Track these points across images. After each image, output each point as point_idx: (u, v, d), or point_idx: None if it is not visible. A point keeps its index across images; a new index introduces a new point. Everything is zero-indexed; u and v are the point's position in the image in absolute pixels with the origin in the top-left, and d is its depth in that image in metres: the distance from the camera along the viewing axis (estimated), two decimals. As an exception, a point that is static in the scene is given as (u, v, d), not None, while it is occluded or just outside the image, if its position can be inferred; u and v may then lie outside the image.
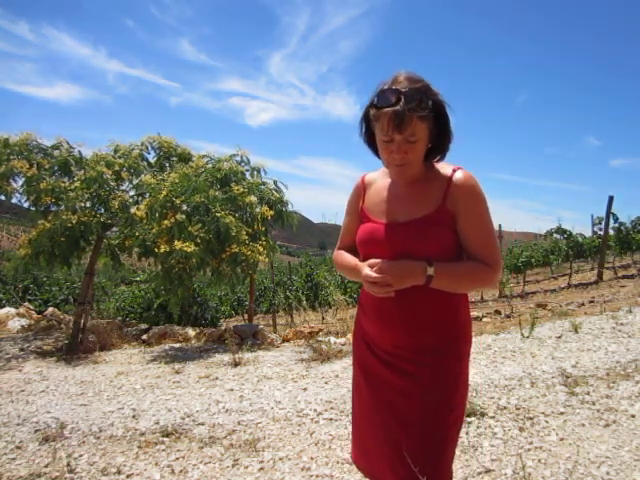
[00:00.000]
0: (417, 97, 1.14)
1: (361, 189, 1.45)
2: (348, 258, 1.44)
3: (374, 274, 1.23)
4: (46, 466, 2.39)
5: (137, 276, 12.12)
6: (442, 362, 1.28)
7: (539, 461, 2.26)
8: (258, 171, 6.20)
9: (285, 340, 5.85)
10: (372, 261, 1.26)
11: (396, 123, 1.14)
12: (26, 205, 5.38)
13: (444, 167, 1.30)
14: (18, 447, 2.67)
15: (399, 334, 1.30)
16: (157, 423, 3.01)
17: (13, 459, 2.51)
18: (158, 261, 5.00)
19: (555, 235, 11.78)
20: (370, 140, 1.33)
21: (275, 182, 6.26)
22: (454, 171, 1.28)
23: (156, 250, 4.82)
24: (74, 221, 4.91)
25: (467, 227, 1.26)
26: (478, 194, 1.27)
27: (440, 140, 1.27)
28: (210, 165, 5.82)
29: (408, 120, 1.14)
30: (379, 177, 1.42)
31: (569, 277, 10.23)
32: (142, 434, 2.84)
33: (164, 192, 4.93)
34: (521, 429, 2.62)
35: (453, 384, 1.29)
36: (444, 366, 1.28)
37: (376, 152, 1.34)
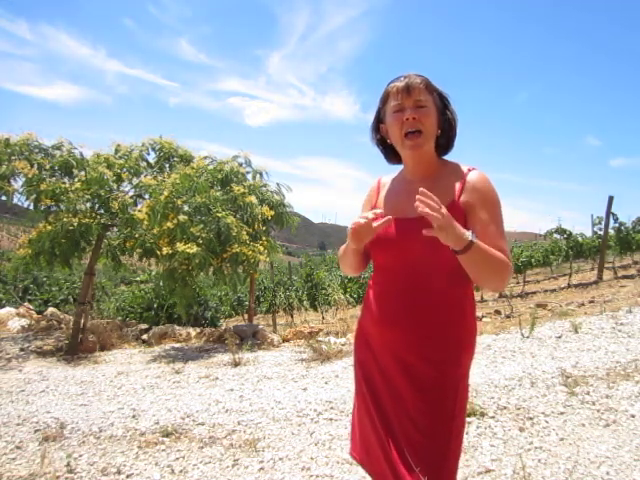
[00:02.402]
0: (422, 76, 1.29)
1: (375, 190, 1.47)
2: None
3: (427, 197, 1.11)
4: (46, 466, 2.38)
5: (137, 276, 12.12)
6: (442, 369, 1.25)
7: (539, 461, 2.26)
8: (260, 174, 6.23)
9: (285, 340, 5.85)
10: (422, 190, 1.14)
11: (405, 88, 1.26)
12: (26, 205, 5.39)
13: (459, 166, 1.32)
14: (18, 447, 2.66)
15: (402, 336, 1.28)
16: (157, 423, 3.01)
17: (13, 459, 2.51)
18: (161, 262, 5.02)
19: (555, 235, 11.75)
20: (381, 143, 1.41)
21: (278, 185, 6.27)
22: (469, 170, 1.29)
23: (158, 252, 4.83)
24: (75, 224, 4.91)
25: (480, 225, 1.22)
26: (493, 194, 1.26)
27: (448, 126, 1.32)
28: (211, 166, 5.84)
29: (416, 86, 1.26)
30: (394, 178, 1.45)
31: (569, 277, 10.22)
32: (142, 434, 2.84)
33: (166, 193, 4.94)
34: (521, 429, 2.62)
35: (453, 391, 1.26)
36: (444, 373, 1.26)
37: (386, 154, 1.42)
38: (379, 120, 1.38)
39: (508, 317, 6.39)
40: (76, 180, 5.29)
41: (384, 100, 1.33)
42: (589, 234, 11.30)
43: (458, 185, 1.27)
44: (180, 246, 4.63)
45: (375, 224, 1.23)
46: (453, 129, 1.34)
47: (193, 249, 4.62)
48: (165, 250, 4.69)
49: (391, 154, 1.41)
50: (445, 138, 1.34)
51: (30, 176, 5.09)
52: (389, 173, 1.50)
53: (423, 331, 1.26)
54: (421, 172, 1.34)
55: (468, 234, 1.12)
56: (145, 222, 5.03)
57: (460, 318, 1.28)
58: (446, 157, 1.39)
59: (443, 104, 1.32)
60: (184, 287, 4.93)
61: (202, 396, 3.60)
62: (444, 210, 1.09)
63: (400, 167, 1.44)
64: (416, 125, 1.25)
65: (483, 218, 1.23)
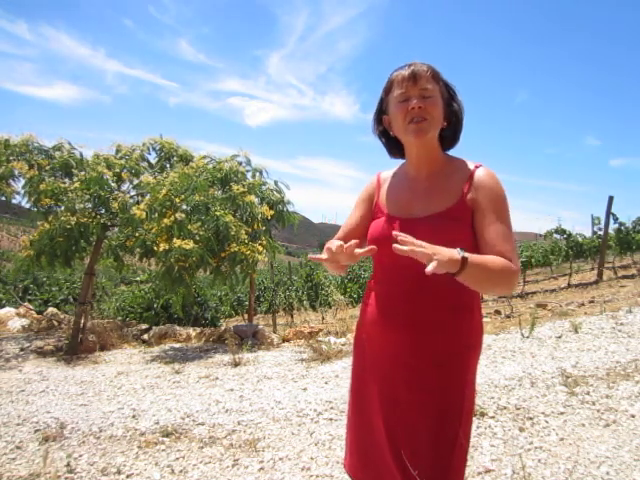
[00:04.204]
0: (429, 65, 1.25)
1: (375, 186, 1.41)
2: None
3: (408, 237, 1.05)
4: (46, 466, 2.38)
5: (137, 276, 12.12)
6: (448, 371, 1.21)
7: (539, 461, 2.26)
8: (260, 172, 6.22)
9: (285, 340, 5.85)
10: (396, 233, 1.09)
11: (411, 77, 1.22)
12: (27, 205, 5.39)
13: (465, 163, 1.28)
14: (18, 447, 2.66)
15: (406, 338, 1.22)
16: (157, 423, 3.01)
17: (13, 459, 2.51)
18: (159, 260, 5.01)
19: (555, 235, 11.74)
20: (383, 135, 1.36)
21: (276, 182, 6.27)
22: (476, 167, 1.25)
23: (156, 249, 4.83)
24: (73, 222, 4.91)
25: (487, 223, 1.18)
26: (501, 191, 1.22)
27: (454, 118, 1.28)
28: (211, 166, 5.83)
29: (422, 74, 1.22)
30: (395, 174, 1.39)
31: (569, 277, 10.21)
32: (142, 434, 2.84)
33: (164, 191, 4.94)
34: (521, 429, 2.62)
35: (459, 395, 1.21)
36: (450, 376, 1.21)
37: (389, 147, 1.37)
38: (381, 111, 1.33)
39: (508, 317, 6.39)
40: (75, 180, 5.29)
41: (388, 89, 1.27)
42: (589, 234, 11.30)
43: (465, 183, 1.23)
44: (177, 242, 4.62)
45: (358, 251, 1.11)
46: (459, 122, 1.30)
47: (189, 245, 4.62)
48: (162, 246, 4.68)
49: (394, 147, 1.36)
50: (451, 131, 1.29)
51: (29, 177, 5.09)
52: (388, 169, 1.44)
53: (428, 332, 1.21)
54: (425, 167, 1.28)
55: (456, 252, 1.04)
56: (143, 219, 5.02)
57: (467, 318, 1.23)
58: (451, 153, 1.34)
59: (449, 95, 1.27)
60: (181, 285, 4.92)
61: (202, 396, 3.60)
62: (425, 244, 1.03)
63: (401, 162, 1.39)
64: (422, 114, 1.20)
65: (489, 217, 1.18)
